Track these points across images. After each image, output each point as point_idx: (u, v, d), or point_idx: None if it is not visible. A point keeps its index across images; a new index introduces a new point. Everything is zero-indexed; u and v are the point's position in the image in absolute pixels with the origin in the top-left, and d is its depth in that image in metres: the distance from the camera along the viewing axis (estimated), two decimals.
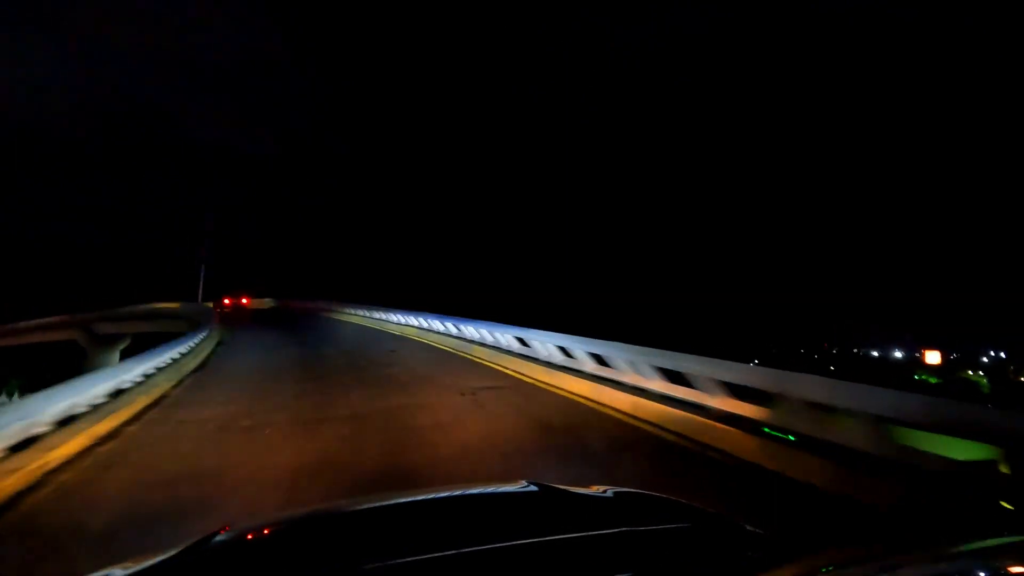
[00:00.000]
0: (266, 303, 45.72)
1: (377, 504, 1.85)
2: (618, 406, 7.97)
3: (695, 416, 6.57)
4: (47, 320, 38.87)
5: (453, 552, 1.16)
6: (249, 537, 1.58)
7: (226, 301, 43.87)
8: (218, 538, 1.47)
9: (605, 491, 1.76)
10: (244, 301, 45.28)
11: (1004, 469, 3.78)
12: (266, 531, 1.70)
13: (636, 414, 7.53)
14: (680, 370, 7.19)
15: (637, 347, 8.18)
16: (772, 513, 4.14)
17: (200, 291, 41.70)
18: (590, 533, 1.31)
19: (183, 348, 13.48)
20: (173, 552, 1.40)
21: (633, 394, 7.89)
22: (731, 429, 5.96)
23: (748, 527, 1.44)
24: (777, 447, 5.34)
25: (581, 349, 9.79)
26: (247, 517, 3.69)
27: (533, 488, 1.79)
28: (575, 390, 9.25)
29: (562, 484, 1.82)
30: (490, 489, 2.06)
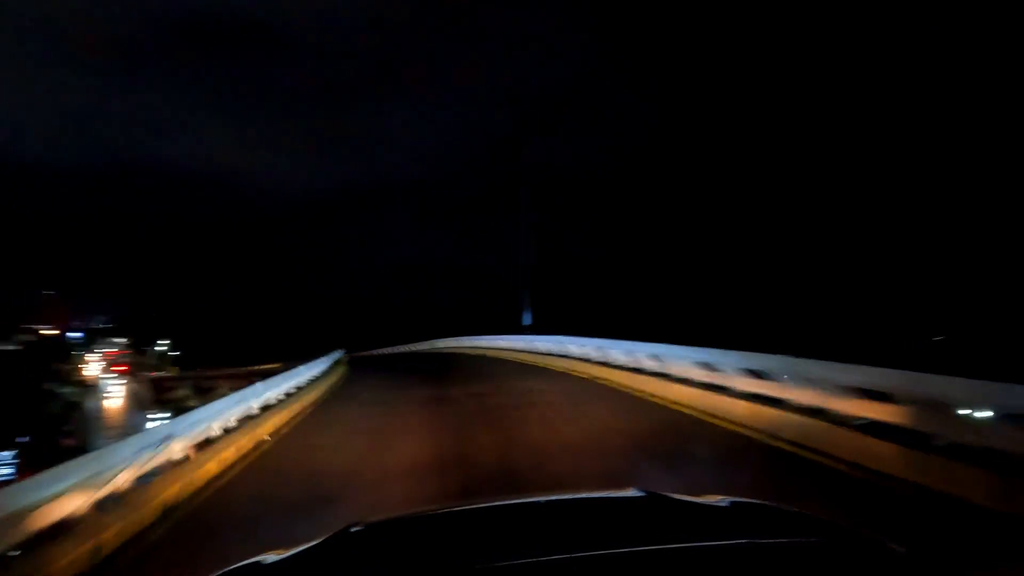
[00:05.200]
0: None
1: (492, 505, 1.90)
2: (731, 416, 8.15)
3: (811, 419, 6.37)
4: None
5: (566, 556, 1.14)
6: (377, 534, 1.69)
7: None
8: (349, 532, 1.59)
9: (721, 500, 1.67)
10: None
11: None
12: (392, 528, 1.80)
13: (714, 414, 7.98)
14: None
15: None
16: (917, 530, 3.85)
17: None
18: (708, 544, 1.23)
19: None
20: (314, 543, 1.51)
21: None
22: (860, 435, 5.73)
23: (890, 544, 1.29)
24: (918, 455, 5.01)
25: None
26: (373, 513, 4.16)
27: (643, 495, 1.74)
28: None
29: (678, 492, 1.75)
30: (599, 495, 2.04)
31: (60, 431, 42.33)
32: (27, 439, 37.55)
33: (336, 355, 20.42)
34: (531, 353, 20.40)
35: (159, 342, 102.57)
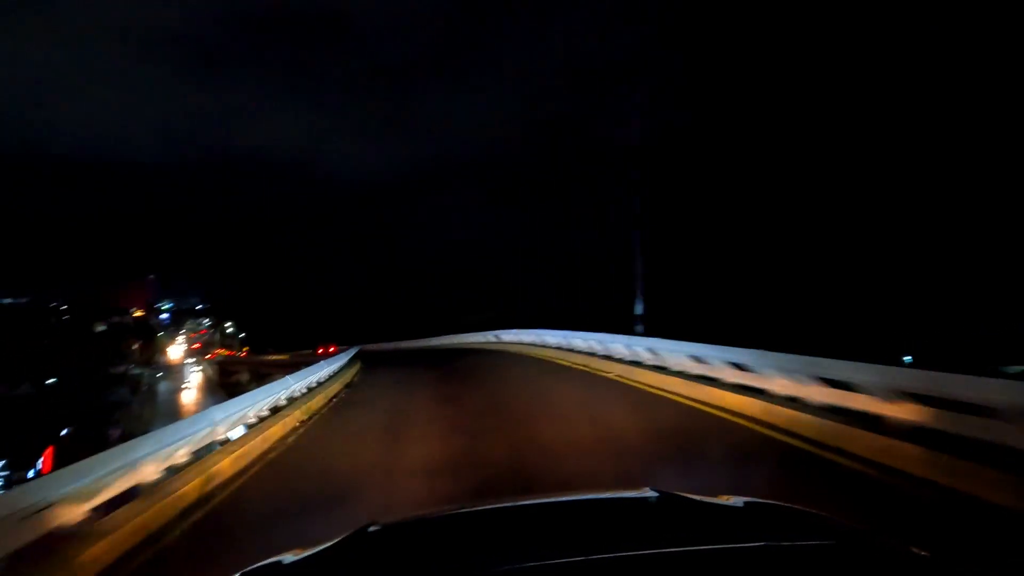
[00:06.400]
0: None
1: (509, 505, 1.91)
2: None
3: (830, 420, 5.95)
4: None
5: (583, 559, 1.13)
6: (394, 535, 1.67)
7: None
8: (366, 532, 1.57)
9: (735, 501, 1.60)
10: None
11: None
12: (409, 529, 1.80)
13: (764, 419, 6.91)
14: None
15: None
16: (944, 533, 3.69)
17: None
18: (726, 546, 1.20)
19: None
20: (331, 543, 1.50)
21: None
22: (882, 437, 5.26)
23: (912, 548, 1.20)
24: (949, 459, 4.63)
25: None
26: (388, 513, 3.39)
27: (656, 495, 1.68)
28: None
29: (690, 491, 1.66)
30: (613, 495, 2.05)
31: (110, 420, 39.38)
32: (67, 431, 34.32)
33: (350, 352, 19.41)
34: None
35: (225, 324, 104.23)
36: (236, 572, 1.34)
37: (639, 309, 17.78)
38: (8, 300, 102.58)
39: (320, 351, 39.75)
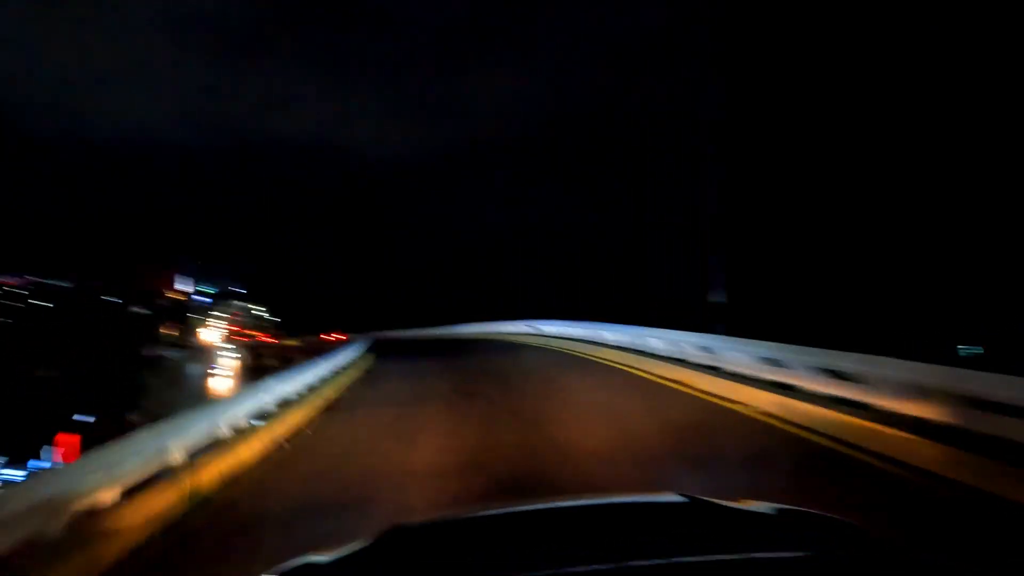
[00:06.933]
0: None
1: (535, 508, 1.87)
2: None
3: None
4: None
5: (612, 567, 1.12)
6: (422, 537, 1.65)
7: None
8: (394, 534, 1.57)
9: (765, 507, 1.55)
10: None
11: None
12: (437, 532, 1.75)
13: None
14: None
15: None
16: (991, 546, 3.52)
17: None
18: (759, 556, 1.17)
19: None
20: (360, 545, 1.50)
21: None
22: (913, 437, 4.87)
23: (956, 562, 1.16)
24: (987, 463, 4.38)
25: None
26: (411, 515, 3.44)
27: (683, 500, 1.63)
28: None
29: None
30: (638, 499, 2.01)
31: (134, 406, 38.17)
32: (92, 419, 32.93)
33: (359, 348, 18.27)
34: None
35: (256, 307, 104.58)
36: (263, 573, 1.37)
37: (717, 299, 14.35)
38: (56, 283, 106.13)
39: (328, 338, 39.08)
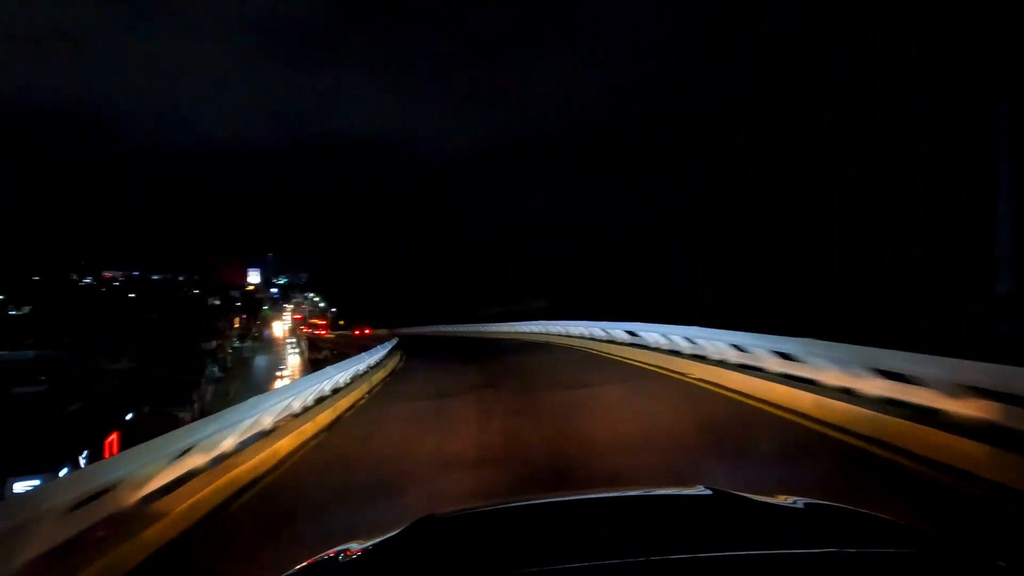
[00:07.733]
0: None
1: (562, 500, 1.88)
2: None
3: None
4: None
5: (642, 560, 1.08)
6: (452, 529, 1.65)
7: None
8: (425, 525, 1.56)
9: (794, 502, 1.52)
10: None
11: None
12: (466, 523, 1.73)
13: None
14: None
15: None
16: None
17: None
18: (790, 551, 1.12)
19: None
20: (392, 535, 1.50)
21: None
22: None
23: (998, 561, 1.08)
24: None
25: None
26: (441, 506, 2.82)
27: (709, 493, 1.58)
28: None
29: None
30: (665, 492, 1.97)
31: (186, 402, 39.17)
32: (131, 416, 33.60)
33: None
34: None
35: (320, 300, 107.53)
36: (300, 564, 1.38)
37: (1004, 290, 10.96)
38: (155, 276, 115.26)
39: (356, 333, 39.75)
